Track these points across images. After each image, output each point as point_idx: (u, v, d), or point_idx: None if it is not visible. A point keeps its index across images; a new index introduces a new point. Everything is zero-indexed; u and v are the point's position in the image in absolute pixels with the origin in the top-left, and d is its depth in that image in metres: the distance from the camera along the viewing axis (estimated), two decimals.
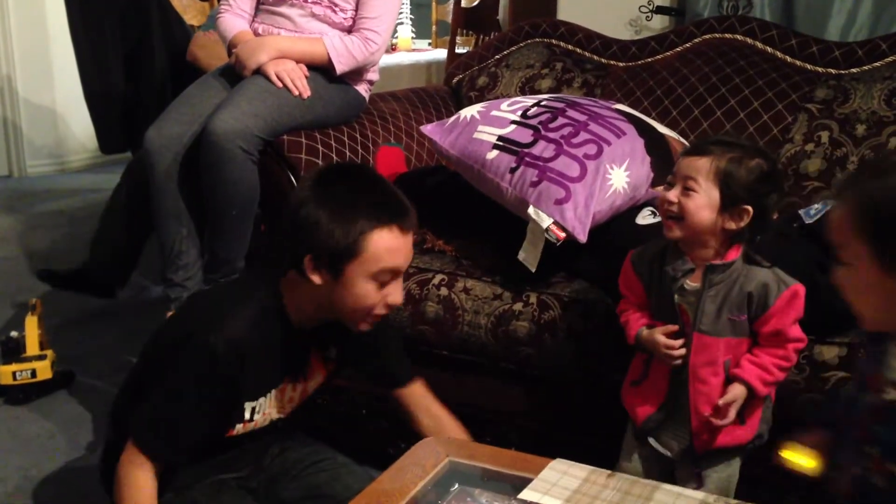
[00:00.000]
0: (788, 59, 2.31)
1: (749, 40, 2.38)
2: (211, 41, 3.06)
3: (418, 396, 1.60)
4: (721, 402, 1.45)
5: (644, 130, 2.00)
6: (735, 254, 1.47)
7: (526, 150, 1.92)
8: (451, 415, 1.60)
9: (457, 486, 1.19)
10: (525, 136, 1.96)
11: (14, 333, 2.57)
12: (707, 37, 2.45)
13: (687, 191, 1.46)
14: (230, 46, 2.23)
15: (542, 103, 2.06)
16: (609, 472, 1.24)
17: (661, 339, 1.50)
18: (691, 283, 1.49)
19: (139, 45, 3.33)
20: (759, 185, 1.44)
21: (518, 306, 1.88)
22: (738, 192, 1.43)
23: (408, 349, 2.02)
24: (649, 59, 2.50)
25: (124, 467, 1.38)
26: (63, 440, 2.24)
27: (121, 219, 2.65)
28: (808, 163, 2.13)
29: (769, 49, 2.35)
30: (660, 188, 1.71)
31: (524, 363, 1.90)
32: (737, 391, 1.45)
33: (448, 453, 1.30)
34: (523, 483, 1.20)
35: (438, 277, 1.98)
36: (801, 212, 1.87)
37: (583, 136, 1.91)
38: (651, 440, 1.56)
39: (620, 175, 1.86)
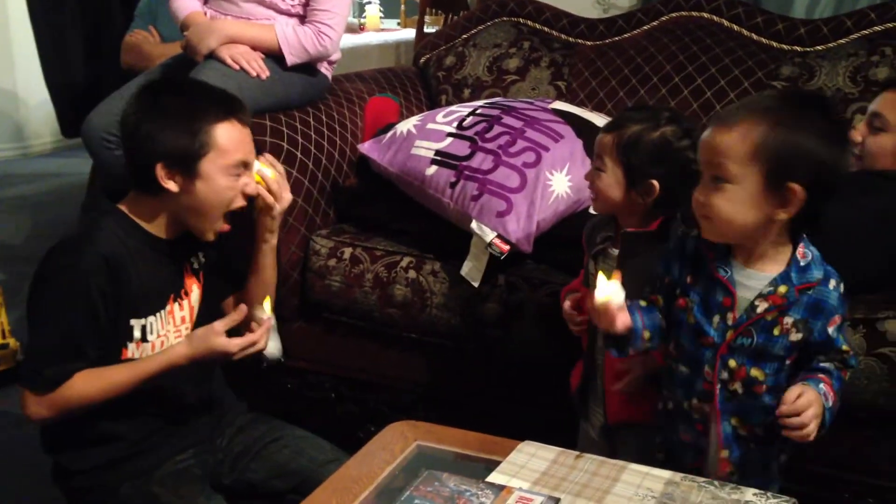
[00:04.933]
0: (755, 36, 2.32)
1: (715, 18, 2.38)
2: (138, 41, 2.88)
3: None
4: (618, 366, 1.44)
5: (582, 131, 1.98)
6: (656, 225, 1.44)
7: (464, 164, 1.91)
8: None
9: (425, 470, 1.18)
10: (462, 148, 1.94)
11: None
12: (674, 15, 2.44)
13: (597, 170, 1.45)
14: (182, 28, 2.19)
15: (478, 111, 2.04)
16: (577, 453, 1.24)
17: (565, 305, 1.51)
18: (614, 250, 1.48)
19: (98, 23, 3.26)
20: (661, 158, 1.40)
21: (486, 288, 1.87)
22: (639, 167, 1.41)
23: (375, 333, 2.02)
24: (617, 38, 2.49)
25: (32, 410, 1.44)
26: (29, 430, 2.19)
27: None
28: None
29: (735, 27, 2.35)
30: None
31: (493, 345, 1.89)
32: (637, 358, 1.41)
33: (416, 437, 1.29)
34: (492, 466, 1.20)
35: (406, 260, 1.97)
36: None
37: (520, 143, 1.90)
38: (582, 417, 1.56)
39: (562, 180, 1.85)
